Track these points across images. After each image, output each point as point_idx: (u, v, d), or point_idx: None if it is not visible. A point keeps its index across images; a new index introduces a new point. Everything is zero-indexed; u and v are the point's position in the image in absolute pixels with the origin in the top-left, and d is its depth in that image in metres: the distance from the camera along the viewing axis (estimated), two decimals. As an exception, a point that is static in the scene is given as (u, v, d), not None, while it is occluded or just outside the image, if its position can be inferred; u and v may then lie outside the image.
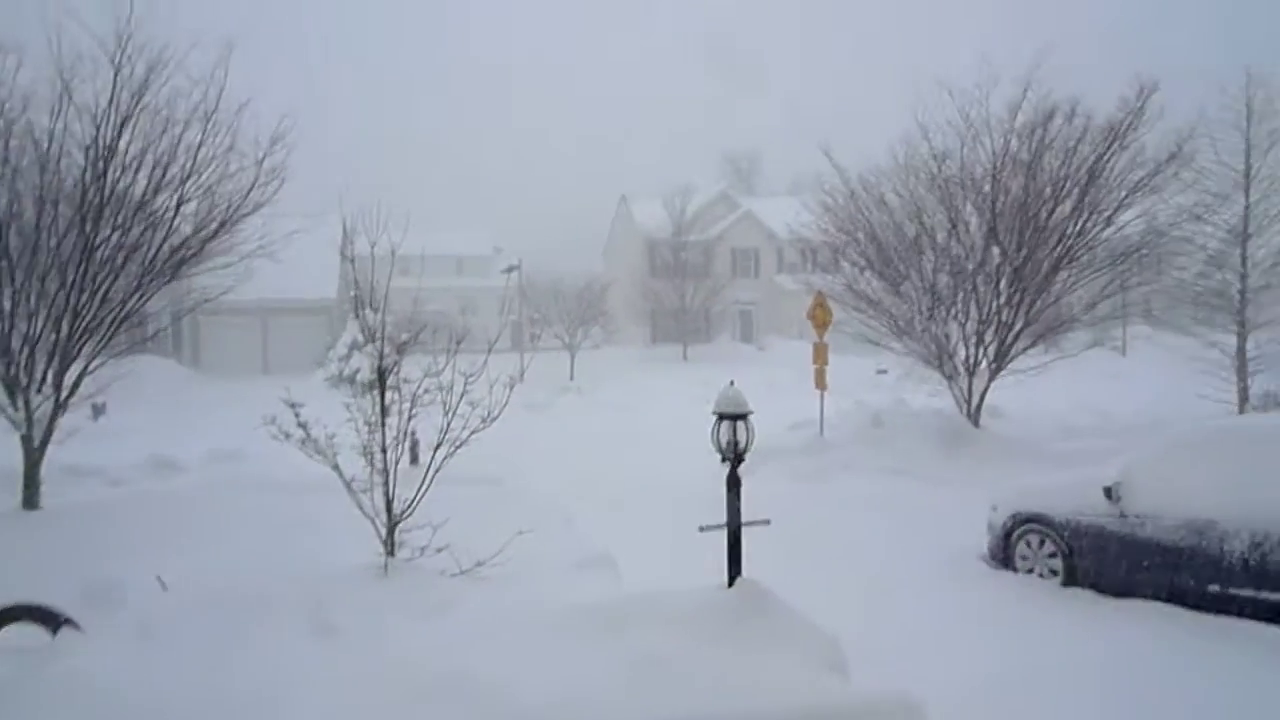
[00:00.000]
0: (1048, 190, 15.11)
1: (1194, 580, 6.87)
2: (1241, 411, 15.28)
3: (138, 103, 10.41)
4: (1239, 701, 5.47)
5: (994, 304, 15.36)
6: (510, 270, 42.42)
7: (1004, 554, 8.31)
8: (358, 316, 7.27)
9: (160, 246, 10.99)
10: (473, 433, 6.86)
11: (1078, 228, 15.16)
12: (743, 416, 5.30)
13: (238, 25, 11.03)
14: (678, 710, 3.98)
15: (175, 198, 10.97)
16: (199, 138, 10.83)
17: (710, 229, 49.98)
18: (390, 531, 6.70)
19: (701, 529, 5.34)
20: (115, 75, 10.23)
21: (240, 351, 34.28)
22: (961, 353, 15.66)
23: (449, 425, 6.90)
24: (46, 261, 10.16)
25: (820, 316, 16.31)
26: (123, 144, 10.43)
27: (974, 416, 15.51)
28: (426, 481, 6.85)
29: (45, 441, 10.36)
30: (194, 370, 33.28)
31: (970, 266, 15.56)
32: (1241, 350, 15.97)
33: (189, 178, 10.94)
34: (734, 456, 5.32)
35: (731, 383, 5.49)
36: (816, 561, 8.23)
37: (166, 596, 6.08)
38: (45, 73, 10.12)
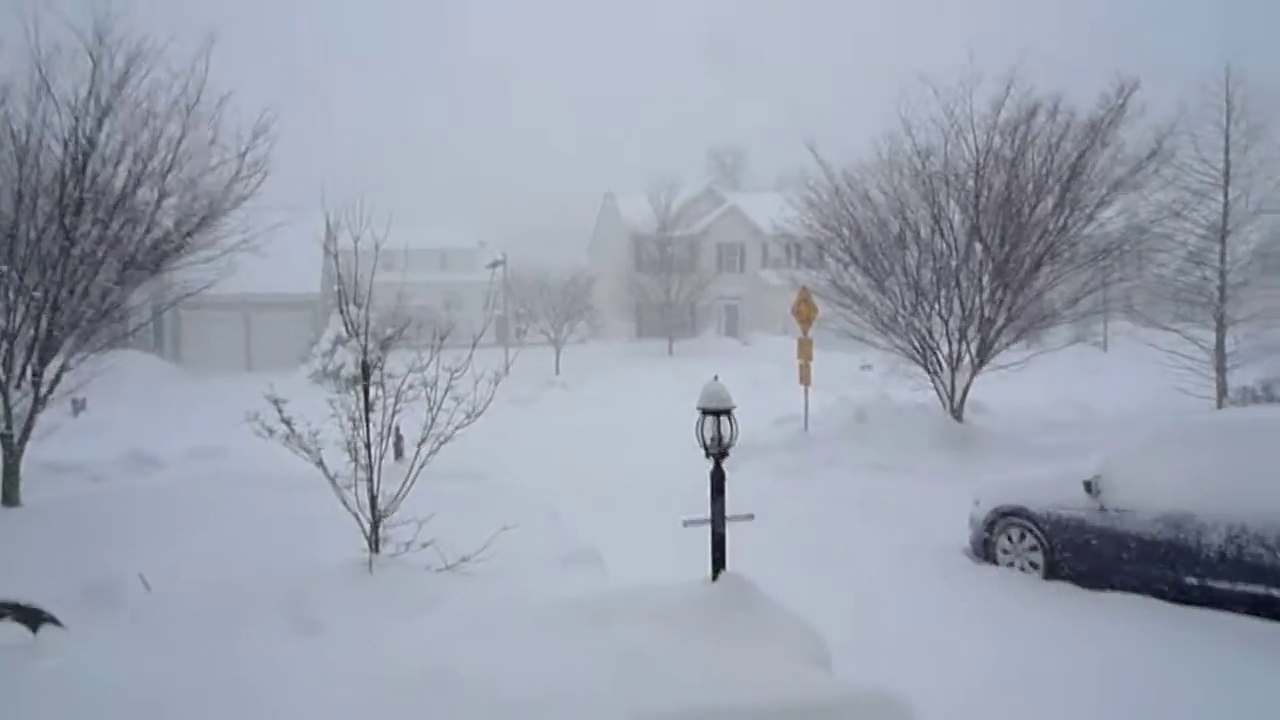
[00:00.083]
0: (1030, 186, 15.22)
1: (1172, 573, 6.96)
2: (1220, 406, 15.44)
3: (117, 95, 10.31)
4: (1216, 691, 5.55)
5: (977, 300, 15.45)
6: (495, 265, 42.33)
7: (986, 548, 8.38)
8: (342, 312, 7.23)
9: (141, 240, 10.90)
10: (457, 428, 6.85)
11: (1060, 224, 15.27)
12: (727, 412, 5.32)
13: (231, 21, 10.94)
14: (662, 704, 4.00)
15: (156, 191, 10.88)
16: (180, 131, 10.75)
17: (696, 224, 50.02)
18: (374, 527, 6.68)
19: (685, 523, 5.36)
20: (94, 67, 10.12)
21: (222, 347, 34.04)
22: (945, 348, 15.75)
23: (433, 421, 6.89)
24: (25, 255, 10.05)
25: (805, 312, 16.36)
26: (102, 137, 10.32)
27: (957, 411, 15.62)
28: (411, 477, 6.84)
29: (25, 437, 10.26)
30: (176, 365, 33.01)
31: (954, 262, 15.65)
32: (1220, 346, 16.13)
33: (170, 171, 10.85)
34: (718, 452, 5.33)
35: (716, 378, 5.50)
36: (800, 556, 8.28)
37: (150, 594, 6.05)
38: (23, 65, 10.01)
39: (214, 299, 14.84)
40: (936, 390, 15.96)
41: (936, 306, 15.78)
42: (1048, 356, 16.96)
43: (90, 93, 10.15)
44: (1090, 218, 15.53)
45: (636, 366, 35.89)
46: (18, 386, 10.11)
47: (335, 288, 7.47)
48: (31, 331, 10.10)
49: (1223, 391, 15.99)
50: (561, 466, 13.48)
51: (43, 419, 10.56)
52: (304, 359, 28.60)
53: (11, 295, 10.04)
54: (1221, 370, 16.07)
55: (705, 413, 5.32)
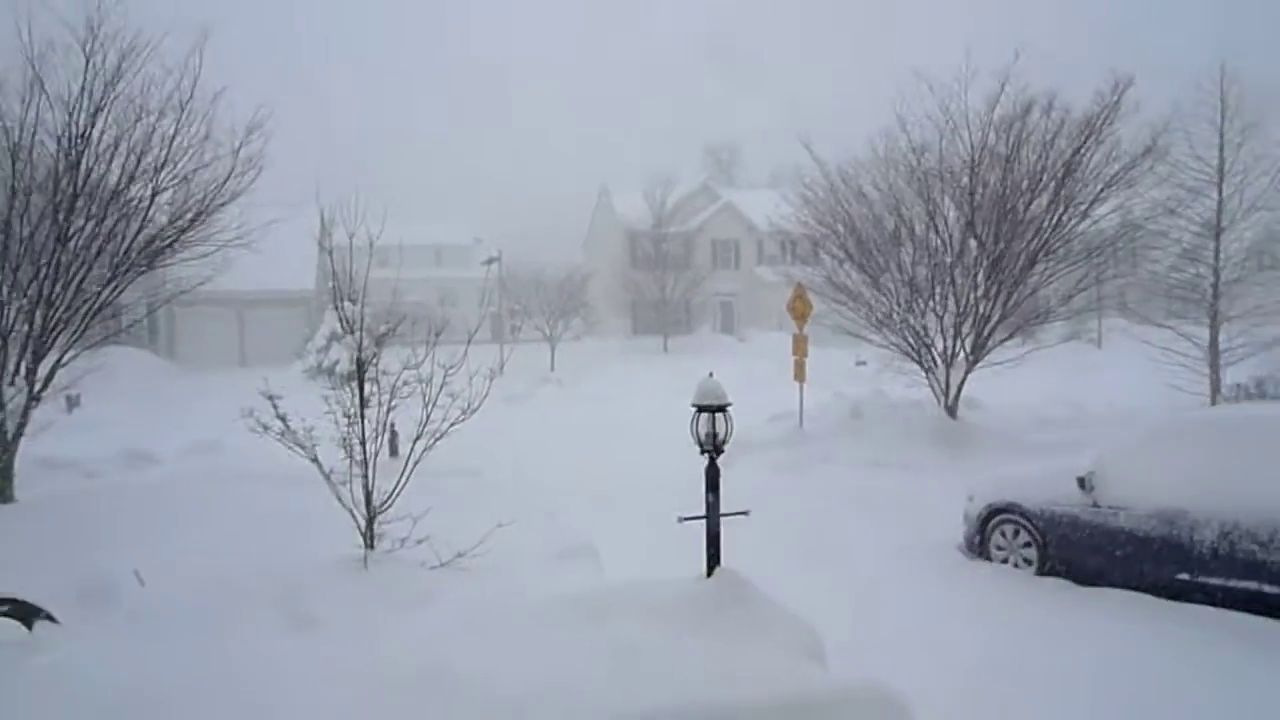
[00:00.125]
0: (1025, 183, 15.24)
1: (1164, 569, 6.99)
2: (1213, 403, 15.50)
3: (111, 91, 10.28)
4: (1210, 688, 5.57)
5: (971, 296, 15.49)
6: (490, 262, 42.29)
7: (980, 544, 8.40)
8: (336, 308, 7.23)
9: (135, 236, 10.87)
10: (452, 425, 6.84)
11: (1054, 221, 15.30)
12: (722, 408, 5.32)
13: (227, 19, 10.91)
14: (658, 699, 4.00)
15: (150, 187, 10.85)
16: (174, 127, 10.72)
17: (691, 220, 50.02)
18: (369, 523, 6.68)
19: (680, 520, 5.37)
20: (87, 62, 10.09)
21: (217, 343, 33.99)
22: (939, 344, 15.79)
23: (428, 417, 6.89)
24: (19, 252, 10.02)
25: (800, 308, 16.38)
26: (96, 133, 10.30)
27: (951, 408, 15.65)
28: (406, 473, 6.84)
29: (19, 434, 10.24)
30: (170, 362, 32.93)
31: (948, 259, 15.67)
32: (1214, 343, 16.19)
33: (164, 167, 10.82)
34: (713, 448, 5.34)
35: (710, 374, 5.51)
36: (795, 552, 8.30)
37: (145, 590, 6.04)
38: (16, 60, 9.98)
39: (208, 295, 14.81)
40: (931, 387, 15.99)
41: (931, 303, 15.81)
42: (1042, 353, 17.00)
43: (83, 88, 10.12)
44: (1085, 214, 15.56)
45: (631, 363, 35.89)
46: (12, 382, 10.09)
47: (330, 284, 7.46)
48: (26, 327, 10.07)
49: (1216, 388, 16.06)
50: (557, 463, 13.49)
51: (37, 415, 10.53)
52: (298, 355, 28.58)
53: (5, 291, 10.01)
54: (1215, 367, 16.14)
55: (700, 409, 5.33)
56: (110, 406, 19.80)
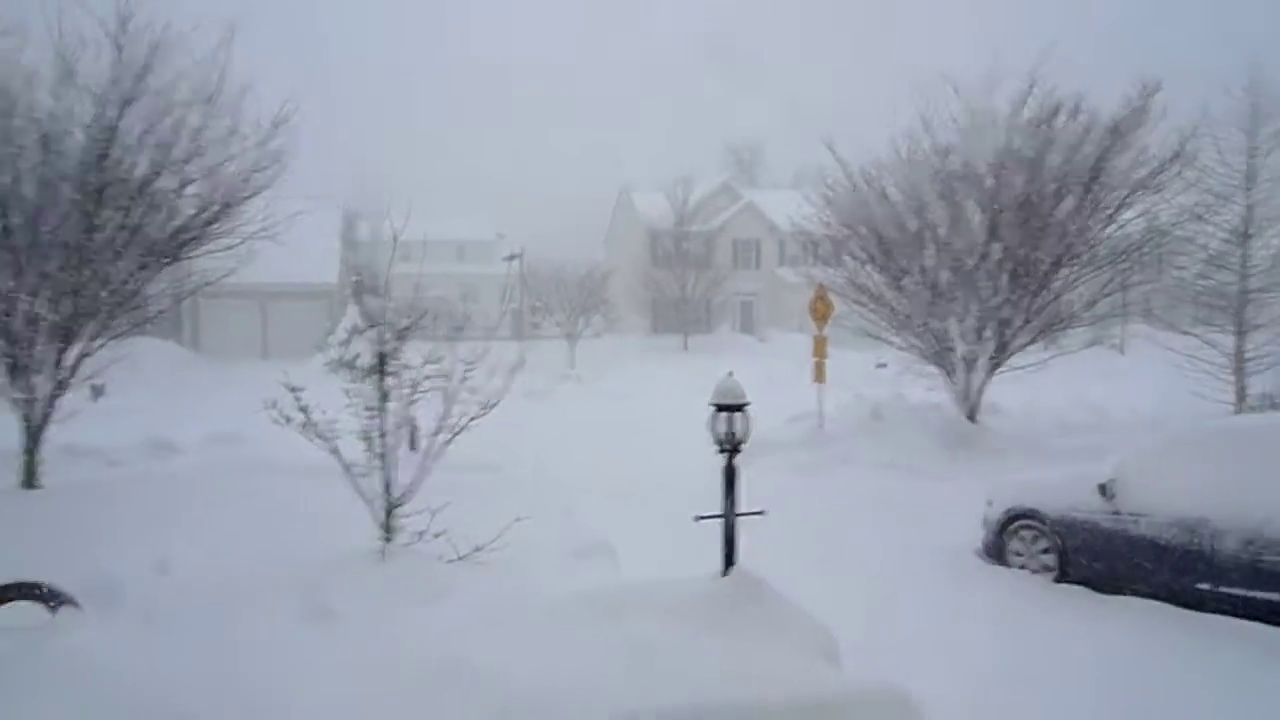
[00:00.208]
0: (1050, 187, 15.10)
1: (1185, 578, 6.91)
2: (1239, 412, 15.30)
3: (140, 84, 10.39)
4: (1228, 699, 5.51)
5: (994, 300, 15.37)
6: (512, 258, 42.43)
7: (998, 549, 8.35)
8: (358, 301, 7.27)
9: (161, 228, 11.00)
10: (472, 419, 6.88)
11: (1079, 225, 15.15)
12: (740, 408, 5.32)
13: (244, 12, 10.97)
14: (673, 698, 4.01)
15: (177, 179, 10.97)
16: (201, 120, 10.83)
17: (712, 220, 49.94)
18: (388, 516, 6.73)
19: (697, 519, 5.37)
20: (117, 56, 10.22)
21: (240, 335, 34.29)
22: (961, 348, 15.68)
23: (449, 412, 6.92)
24: (48, 242, 10.16)
25: (821, 309, 16.31)
26: (125, 125, 10.42)
27: (972, 412, 15.55)
28: (425, 467, 6.88)
29: (45, 421, 10.39)
30: (194, 353, 33.28)
31: (971, 262, 15.55)
32: (1240, 351, 15.99)
33: (191, 159, 10.93)
34: (731, 447, 5.35)
35: (730, 374, 5.51)
36: (812, 553, 8.27)
37: (165, 579, 6.11)
38: (47, 54, 10.11)
39: (232, 287, 14.92)
40: (952, 390, 15.90)
41: (953, 306, 15.70)
42: (1065, 358, 16.86)
43: (113, 81, 10.24)
44: (1110, 219, 15.41)
45: (651, 361, 35.89)
46: (40, 371, 10.23)
47: (353, 278, 7.52)
48: (54, 317, 10.21)
49: (1241, 397, 15.84)
50: (575, 460, 13.51)
51: (63, 403, 10.68)
52: (320, 348, 28.75)
53: (35, 280, 10.15)
54: (1241, 375, 15.93)
55: (719, 408, 5.33)
56: (134, 396, 20.04)
